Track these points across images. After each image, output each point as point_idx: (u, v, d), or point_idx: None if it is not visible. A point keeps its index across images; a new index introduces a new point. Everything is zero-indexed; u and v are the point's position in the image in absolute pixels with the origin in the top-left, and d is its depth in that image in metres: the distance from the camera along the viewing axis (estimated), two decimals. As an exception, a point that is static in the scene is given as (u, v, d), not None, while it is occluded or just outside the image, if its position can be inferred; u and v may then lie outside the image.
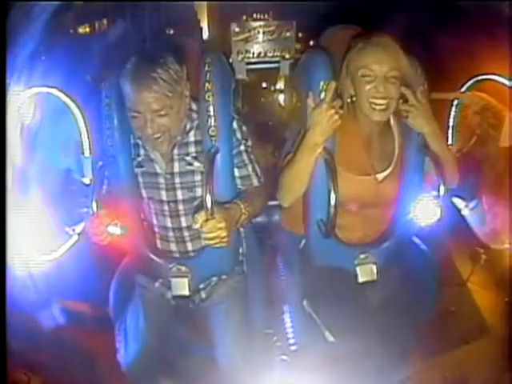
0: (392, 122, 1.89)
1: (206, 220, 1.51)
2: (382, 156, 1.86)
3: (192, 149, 1.77)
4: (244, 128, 1.81)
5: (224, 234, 1.53)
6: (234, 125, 1.77)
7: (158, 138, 1.66)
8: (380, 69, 1.68)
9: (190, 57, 1.83)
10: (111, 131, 1.79)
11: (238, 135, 1.78)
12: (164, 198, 1.80)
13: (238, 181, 1.83)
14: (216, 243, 1.54)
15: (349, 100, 1.80)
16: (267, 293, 2.04)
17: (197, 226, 1.52)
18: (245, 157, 1.81)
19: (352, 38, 1.82)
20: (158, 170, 1.78)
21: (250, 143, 1.82)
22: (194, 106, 1.78)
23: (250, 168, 1.82)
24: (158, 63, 1.60)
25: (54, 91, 1.99)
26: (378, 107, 1.71)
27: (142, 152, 1.80)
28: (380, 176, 1.85)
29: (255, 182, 1.84)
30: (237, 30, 2.74)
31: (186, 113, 1.74)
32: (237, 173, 1.81)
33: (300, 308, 1.99)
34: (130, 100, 1.62)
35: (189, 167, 1.76)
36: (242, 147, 1.80)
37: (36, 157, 1.91)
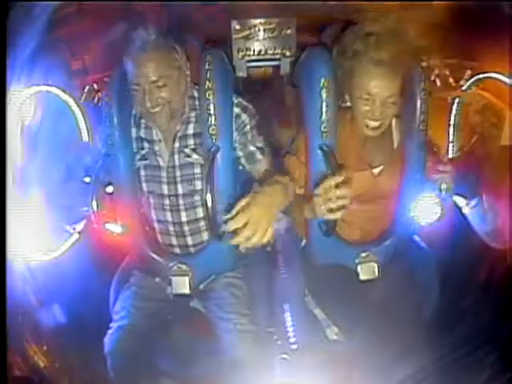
0: (394, 123, 1.89)
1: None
2: (378, 151, 1.87)
3: (191, 141, 1.79)
4: (249, 107, 1.82)
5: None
6: (237, 110, 1.79)
7: (157, 111, 1.68)
8: (379, 94, 1.66)
9: (191, 54, 1.83)
10: (111, 130, 1.80)
11: (244, 116, 1.79)
12: (165, 191, 1.81)
13: (243, 160, 1.84)
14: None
15: (347, 104, 1.80)
16: (268, 291, 2.04)
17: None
18: (249, 135, 1.82)
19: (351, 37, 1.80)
20: (161, 163, 1.80)
21: (255, 120, 1.83)
22: (195, 93, 1.80)
23: (252, 145, 1.83)
24: (157, 41, 1.66)
25: (54, 90, 1.99)
26: (371, 126, 1.73)
27: (145, 145, 1.82)
28: (376, 170, 1.86)
29: (259, 156, 1.84)
30: (237, 27, 2.73)
31: (186, 89, 1.77)
32: (240, 153, 1.82)
33: (301, 306, 1.99)
34: (131, 74, 1.66)
35: (188, 159, 1.78)
36: (247, 127, 1.80)
37: (36, 156, 1.91)
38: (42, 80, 1.89)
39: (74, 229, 2.09)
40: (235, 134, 1.78)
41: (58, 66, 1.95)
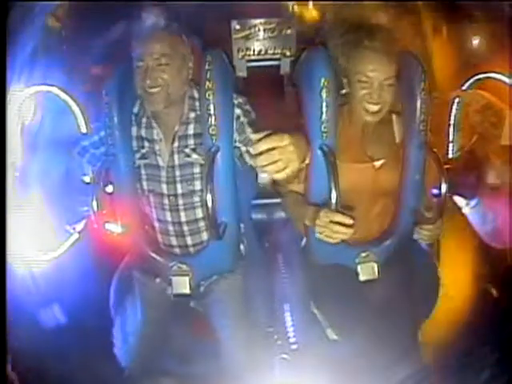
0: (394, 118, 1.90)
1: None
2: (379, 145, 1.87)
3: (191, 141, 1.79)
4: (247, 106, 1.82)
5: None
6: (237, 111, 1.78)
7: (155, 92, 1.69)
8: (376, 76, 1.70)
9: (192, 52, 1.84)
10: (111, 130, 1.79)
11: (242, 118, 1.79)
12: (165, 191, 1.81)
13: (247, 155, 1.82)
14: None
15: (343, 91, 1.81)
16: (268, 291, 2.05)
17: None
18: (250, 132, 1.79)
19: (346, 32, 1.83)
20: (161, 163, 1.80)
21: (253, 116, 1.83)
22: (195, 94, 1.81)
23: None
24: (166, 24, 1.74)
25: (54, 90, 1.99)
26: (370, 110, 1.74)
27: (146, 144, 1.82)
28: (377, 164, 1.86)
29: None
30: (237, 27, 2.73)
31: (187, 79, 1.79)
32: (244, 148, 1.80)
33: (301, 306, 1.99)
34: (136, 49, 1.70)
35: (187, 159, 1.78)
36: (248, 129, 1.79)
37: (36, 155, 1.91)
38: (42, 80, 1.89)
39: (73, 229, 2.09)
40: (235, 134, 1.78)
41: (58, 65, 1.95)
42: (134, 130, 1.84)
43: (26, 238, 1.82)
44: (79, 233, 2.10)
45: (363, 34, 1.74)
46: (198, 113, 1.78)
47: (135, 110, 1.85)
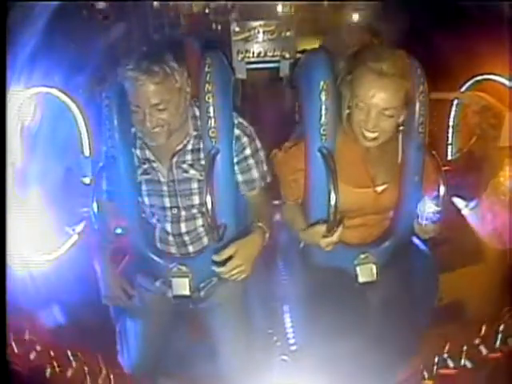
0: (400, 138, 1.84)
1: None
2: (382, 167, 1.82)
3: (188, 157, 1.77)
4: (249, 129, 1.80)
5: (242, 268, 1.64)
6: (237, 131, 1.76)
7: (156, 132, 1.65)
8: (376, 104, 1.59)
9: (190, 56, 1.83)
10: (111, 132, 1.79)
11: (244, 139, 1.78)
12: (167, 204, 1.80)
13: (242, 186, 1.83)
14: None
15: (347, 111, 1.72)
16: (267, 293, 2.04)
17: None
18: (250, 161, 1.81)
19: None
20: (161, 179, 1.79)
21: (256, 144, 1.82)
22: (196, 112, 1.78)
23: (254, 172, 1.82)
24: (157, 60, 1.60)
25: (54, 91, 1.99)
26: (368, 137, 1.66)
27: (146, 161, 1.80)
28: (379, 189, 1.83)
29: (258, 184, 1.84)
30: (237, 29, 2.74)
31: (186, 108, 1.73)
32: (240, 178, 1.82)
33: (300, 307, 1.99)
34: (131, 95, 1.62)
35: (185, 175, 1.77)
36: (248, 151, 1.79)
37: (36, 157, 1.91)
38: (41, 81, 1.89)
39: (73, 230, 2.09)
40: (235, 158, 1.78)
41: (58, 66, 1.95)
42: (133, 145, 1.81)
43: (26, 239, 1.82)
44: (79, 234, 2.10)
45: (370, 53, 1.63)
46: (200, 132, 1.77)
47: (133, 129, 1.81)
